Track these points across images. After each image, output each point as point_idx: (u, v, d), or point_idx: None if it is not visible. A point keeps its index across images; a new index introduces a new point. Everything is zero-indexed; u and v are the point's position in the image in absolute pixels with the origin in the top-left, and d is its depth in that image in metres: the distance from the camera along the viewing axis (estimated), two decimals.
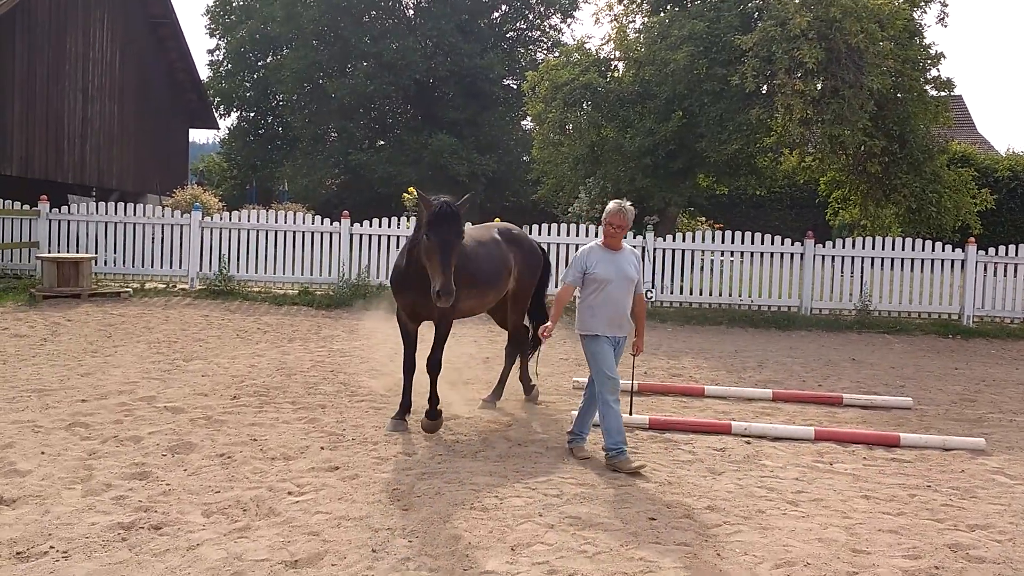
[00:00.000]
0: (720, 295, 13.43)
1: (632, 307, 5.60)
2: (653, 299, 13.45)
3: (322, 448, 5.42)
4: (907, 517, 4.65)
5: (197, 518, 4.16)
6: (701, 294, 13.50)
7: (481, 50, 28.41)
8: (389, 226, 13.57)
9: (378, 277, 13.27)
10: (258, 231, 13.45)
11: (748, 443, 6.10)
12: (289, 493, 4.56)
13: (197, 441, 5.44)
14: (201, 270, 13.32)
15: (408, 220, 13.98)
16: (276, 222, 13.57)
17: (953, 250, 13.01)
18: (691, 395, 7.68)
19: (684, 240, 13.69)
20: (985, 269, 12.88)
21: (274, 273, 13.47)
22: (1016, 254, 12.97)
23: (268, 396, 6.80)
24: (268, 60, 32.14)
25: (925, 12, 14.23)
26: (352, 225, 13.47)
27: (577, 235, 13.48)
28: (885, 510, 4.76)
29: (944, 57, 13.86)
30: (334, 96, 28.01)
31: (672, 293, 13.58)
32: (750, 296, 13.33)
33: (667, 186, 14.53)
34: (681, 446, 5.95)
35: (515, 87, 29.00)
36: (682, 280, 13.60)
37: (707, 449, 5.89)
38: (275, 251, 13.43)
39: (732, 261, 13.57)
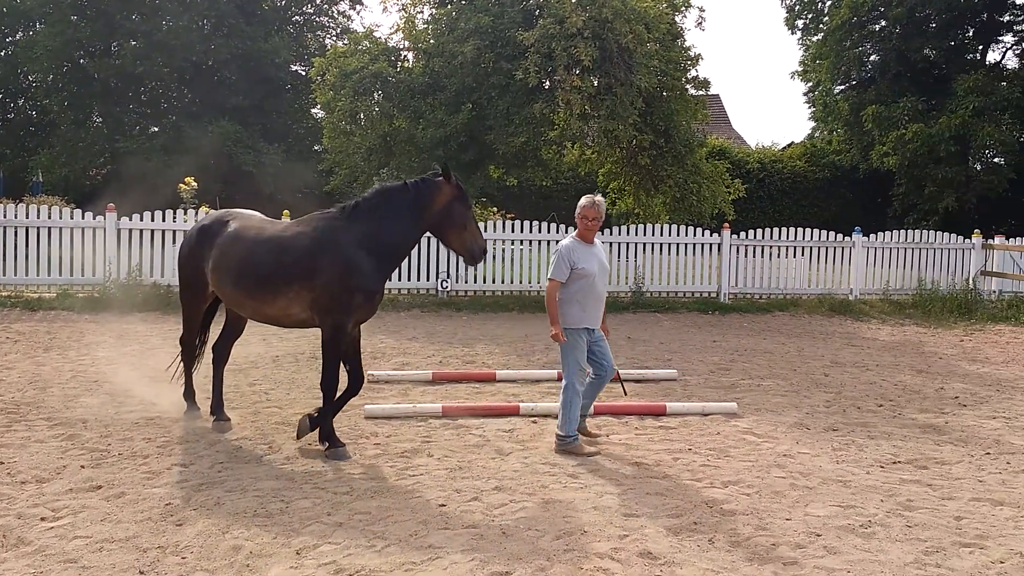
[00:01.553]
0: (512, 283, 13.93)
1: None
2: (448, 289, 13.66)
3: (83, 467, 4.93)
4: (671, 479, 5.11)
5: None
6: (494, 282, 13.91)
7: (265, 33, 27.02)
8: (164, 220, 12.58)
9: (152, 276, 12.27)
10: (5, 228, 11.92)
11: (535, 423, 6.39)
12: (42, 519, 4.11)
13: None
14: None
15: (186, 213, 13.03)
16: (27, 217, 12.10)
17: (711, 235, 14.47)
18: (484, 380, 7.89)
19: None
20: (737, 251, 14.45)
21: (26, 275, 12.01)
22: (763, 237, 14.68)
23: (18, 413, 6.06)
24: (17, 36, 28.37)
25: (685, 16, 15.59)
26: (120, 219, 12.32)
27: None
28: (653, 474, 5.20)
29: (702, 59, 15.32)
30: (97, 77, 25.35)
31: (467, 282, 13.87)
32: (539, 282, 13.93)
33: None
34: (472, 431, 6.11)
35: (303, 74, 27.94)
36: (476, 269, 13.93)
37: (496, 431, 6.09)
38: (27, 250, 11.97)
39: (523, 250, 14.11)
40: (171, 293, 11.77)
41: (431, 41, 14.72)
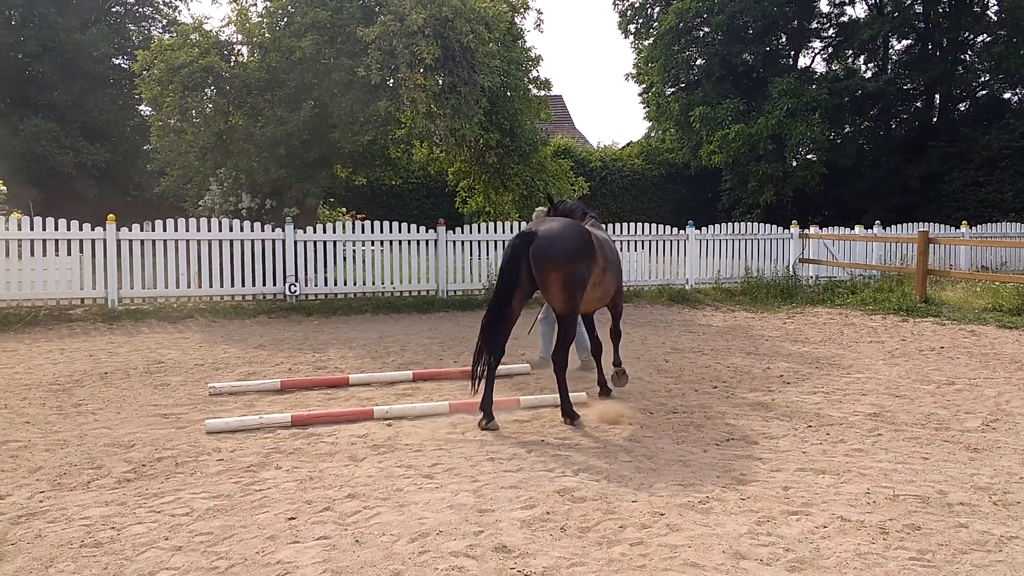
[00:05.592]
0: (364, 284, 13.69)
1: None
2: (297, 293, 13.20)
3: None
4: (525, 472, 5.20)
5: None
6: (345, 284, 13.62)
7: (81, 24, 24.91)
8: None
9: None
10: None
11: (389, 425, 6.30)
12: None
13: None
14: None
15: (8, 224, 11.77)
16: None
17: None
18: (336, 386, 7.68)
19: (325, 231, 13.65)
20: None
21: None
22: (607, 233, 15.25)
23: None
24: None
25: (524, 18, 15.92)
26: None
27: (220, 230, 12.68)
28: (507, 468, 5.27)
29: (543, 59, 15.68)
30: None
31: (316, 285, 13.49)
32: (392, 283, 13.80)
33: (304, 177, 14.27)
34: (324, 439, 5.93)
35: (127, 68, 26.00)
36: (326, 272, 13.57)
37: (349, 437, 5.94)
38: None
39: (374, 250, 13.89)
40: None
41: (266, 35, 14.14)
